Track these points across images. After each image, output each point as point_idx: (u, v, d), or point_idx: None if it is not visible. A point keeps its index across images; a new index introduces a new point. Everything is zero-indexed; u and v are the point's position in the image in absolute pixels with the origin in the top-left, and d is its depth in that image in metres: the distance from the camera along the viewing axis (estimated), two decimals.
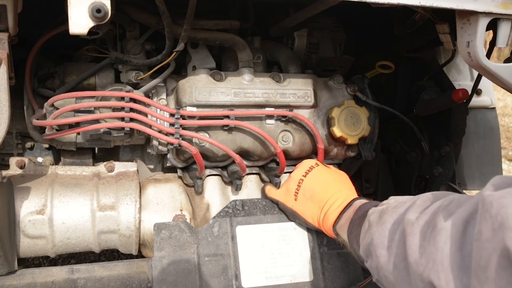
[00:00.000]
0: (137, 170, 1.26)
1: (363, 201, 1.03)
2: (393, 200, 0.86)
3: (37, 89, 1.26)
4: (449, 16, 1.13)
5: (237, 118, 1.23)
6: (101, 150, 1.38)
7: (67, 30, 0.94)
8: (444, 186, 1.44)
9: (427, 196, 0.77)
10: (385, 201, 0.89)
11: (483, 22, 1.03)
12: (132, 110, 1.16)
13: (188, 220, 1.20)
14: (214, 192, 1.30)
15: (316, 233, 1.21)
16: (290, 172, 1.28)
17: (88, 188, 1.18)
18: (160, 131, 1.18)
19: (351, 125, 1.31)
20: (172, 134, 1.18)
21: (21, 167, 1.17)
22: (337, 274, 1.18)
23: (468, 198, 0.66)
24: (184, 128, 1.20)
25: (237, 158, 1.22)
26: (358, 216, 0.95)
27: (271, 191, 1.26)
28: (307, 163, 1.22)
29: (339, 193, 1.10)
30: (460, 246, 0.60)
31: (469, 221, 0.60)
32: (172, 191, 1.26)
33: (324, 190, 1.12)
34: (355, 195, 1.09)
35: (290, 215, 1.21)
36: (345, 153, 1.38)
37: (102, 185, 1.20)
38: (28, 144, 1.41)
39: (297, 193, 1.17)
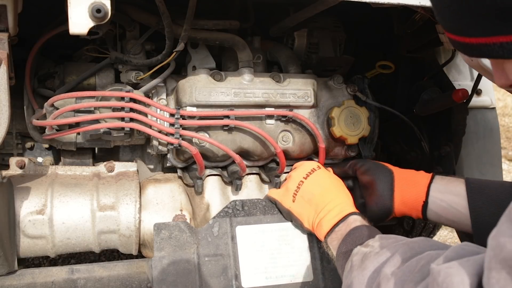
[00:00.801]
0: (137, 170, 1.26)
1: (357, 220, 1.02)
2: (378, 243, 0.87)
3: (37, 89, 1.26)
4: None
5: (237, 118, 1.23)
6: (101, 150, 1.38)
7: (67, 30, 0.94)
8: None
9: (409, 247, 0.78)
10: (370, 241, 0.90)
11: None
12: (132, 110, 1.16)
13: (188, 220, 1.20)
14: (214, 192, 1.30)
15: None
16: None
17: (88, 188, 1.18)
18: (160, 131, 1.18)
19: (351, 125, 1.31)
20: (172, 134, 1.18)
21: (21, 167, 1.17)
22: (337, 274, 1.17)
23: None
24: (184, 128, 1.20)
25: (237, 158, 1.22)
26: (345, 251, 0.95)
27: (271, 191, 1.26)
28: (309, 165, 1.21)
29: (337, 201, 1.09)
30: None
31: None
32: (172, 191, 1.26)
33: (323, 195, 1.11)
34: (351, 207, 1.08)
35: (286, 215, 1.20)
36: (345, 153, 1.38)
37: (102, 185, 1.20)
38: (28, 144, 1.41)
39: (296, 194, 1.16)
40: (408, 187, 1.13)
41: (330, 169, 1.26)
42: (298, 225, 1.18)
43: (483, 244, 1.06)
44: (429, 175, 1.14)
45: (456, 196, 1.07)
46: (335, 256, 1.00)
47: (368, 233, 0.95)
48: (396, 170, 1.17)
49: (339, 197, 1.10)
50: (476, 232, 1.04)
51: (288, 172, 1.29)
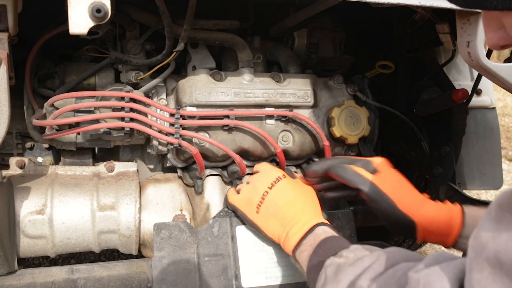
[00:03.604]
0: (137, 170, 1.26)
1: (326, 231, 0.96)
2: (352, 254, 0.83)
3: (37, 89, 1.26)
4: (449, 16, 1.13)
5: (237, 118, 1.23)
6: (101, 150, 1.38)
7: (67, 30, 0.94)
8: (445, 186, 1.44)
9: (385, 256, 0.75)
10: (344, 252, 0.85)
11: None
12: (132, 110, 1.16)
13: (188, 220, 1.20)
14: (214, 192, 1.30)
15: None
16: None
17: (88, 188, 1.18)
18: (160, 131, 1.18)
19: (351, 125, 1.31)
20: (172, 134, 1.18)
21: (21, 167, 1.17)
22: None
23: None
24: (184, 128, 1.20)
25: (237, 158, 1.22)
26: (317, 263, 0.89)
27: (232, 196, 1.17)
28: (273, 173, 1.11)
29: (303, 212, 1.02)
30: None
31: None
32: (172, 191, 1.26)
33: (289, 207, 1.04)
34: (318, 217, 1.02)
35: (249, 225, 1.14)
36: (345, 153, 1.38)
37: (102, 185, 1.20)
38: (28, 144, 1.41)
39: (260, 206, 1.08)
40: (433, 238, 0.98)
41: (297, 175, 1.21)
42: (262, 236, 1.11)
43: None
44: (459, 222, 0.95)
45: None
46: (306, 270, 0.93)
47: (340, 243, 0.90)
48: (419, 220, 0.97)
49: (305, 208, 1.04)
50: None
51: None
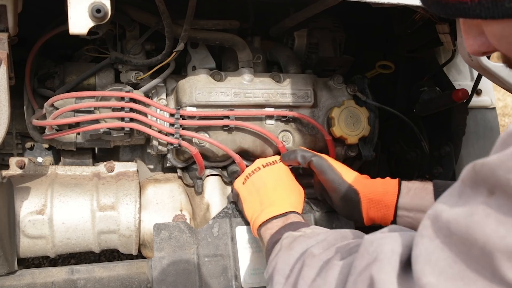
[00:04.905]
0: (137, 170, 1.26)
1: (297, 217, 0.98)
2: (310, 230, 0.85)
3: (37, 89, 1.26)
4: None
5: (237, 118, 1.23)
6: (101, 150, 1.38)
7: (67, 30, 0.94)
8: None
9: (341, 234, 0.77)
10: (303, 228, 0.88)
11: None
12: (132, 110, 1.16)
13: (188, 220, 1.20)
14: (214, 192, 1.30)
15: None
16: None
17: (88, 188, 1.18)
18: (160, 131, 1.18)
19: (351, 125, 1.31)
20: (172, 134, 1.18)
21: (21, 167, 1.17)
22: None
23: None
24: (184, 128, 1.20)
25: (237, 158, 1.22)
26: (276, 239, 0.91)
27: None
28: (273, 157, 1.18)
29: (285, 200, 1.04)
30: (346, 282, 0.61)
31: None
32: (172, 191, 1.26)
33: (274, 189, 1.06)
34: (296, 208, 1.04)
35: (233, 196, 1.17)
36: (345, 153, 1.38)
37: (102, 185, 1.20)
38: (28, 144, 1.41)
39: (248, 178, 1.12)
40: (375, 209, 1.06)
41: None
42: (240, 209, 1.14)
43: None
44: (396, 191, 1.04)
45: (422, 212, 1.01)
46: (265, 245, 0.94)
47: (304, 226, 0.92)
48: (361, 190, 1.06)
49: (289, 197, 1.06)
50: None
51: None
